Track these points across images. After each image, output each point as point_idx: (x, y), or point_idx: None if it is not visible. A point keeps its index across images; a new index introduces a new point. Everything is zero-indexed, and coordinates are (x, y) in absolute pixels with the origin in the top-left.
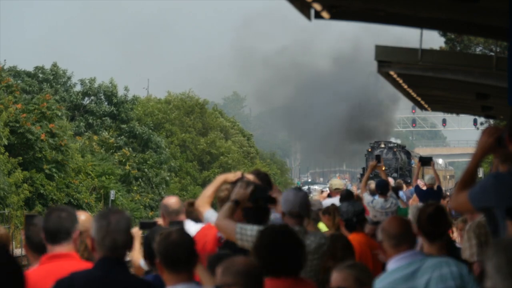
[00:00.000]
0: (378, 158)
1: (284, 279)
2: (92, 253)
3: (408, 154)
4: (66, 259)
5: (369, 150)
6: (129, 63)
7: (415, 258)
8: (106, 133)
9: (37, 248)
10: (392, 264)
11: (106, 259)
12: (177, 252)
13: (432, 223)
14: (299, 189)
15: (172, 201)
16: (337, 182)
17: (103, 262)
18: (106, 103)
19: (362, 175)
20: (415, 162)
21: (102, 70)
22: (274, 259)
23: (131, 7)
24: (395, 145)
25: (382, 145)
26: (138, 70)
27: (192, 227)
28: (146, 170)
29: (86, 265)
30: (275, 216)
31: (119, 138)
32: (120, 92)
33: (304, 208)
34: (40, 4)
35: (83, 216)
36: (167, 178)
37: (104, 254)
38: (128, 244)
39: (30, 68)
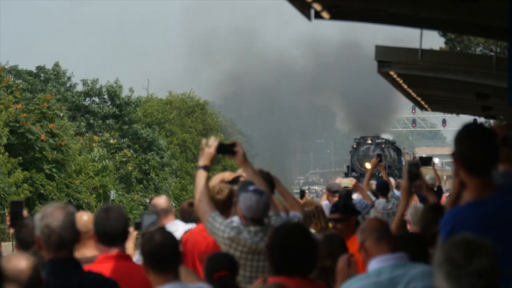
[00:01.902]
0: (379, 156)
1: (295, 278)
2: (41, 252)
3: (398, 151)
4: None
5: (354, 146)
6: (126, 63)
7: (401, 262)
8: (107, 134)
9: (29, 250)
10: (375, 264)
11: (56, 261)
12: (162, 253)
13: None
14: (260, 192)
15: (160, 201)
16: (346, 181)
17: (53, 265)
18: (109, 103)
19: (346, 174)
20: (405, 160)
21: (101, 69)
22: (286, 258)
23: (129, 7)
24: (383, 141)
25: (369, 141)
26: (137, 69)
27: (181, 227)
28: (148, 171)
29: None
30: (294, 214)
31: (122, 140)
32: (124, 93)
33: (266, 213)
34: (36, 4)
35: (85, 217)
36: (170, 180)
37: (52, 254)
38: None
39: (30, 68)
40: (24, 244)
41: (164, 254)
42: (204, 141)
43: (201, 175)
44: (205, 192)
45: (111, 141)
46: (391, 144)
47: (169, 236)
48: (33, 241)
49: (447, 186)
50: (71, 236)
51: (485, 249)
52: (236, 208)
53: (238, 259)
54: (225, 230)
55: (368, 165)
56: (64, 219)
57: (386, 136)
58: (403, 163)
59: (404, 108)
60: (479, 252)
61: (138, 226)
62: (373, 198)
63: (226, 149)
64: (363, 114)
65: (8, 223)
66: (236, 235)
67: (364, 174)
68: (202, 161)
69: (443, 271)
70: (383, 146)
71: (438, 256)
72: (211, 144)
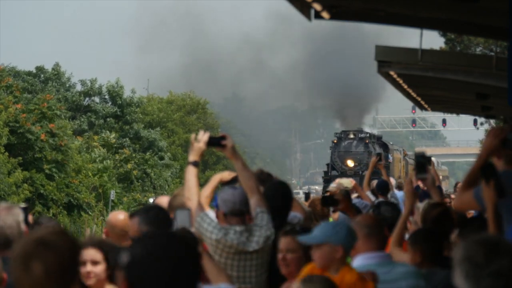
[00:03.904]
0: (379, 155)
1: None
2: None
3: (385, 147)
4: None
5: (335, 141)
6: (125, 62)
7: (385, 261)
8: (108, 133)
9: None
10: (360, 261)
11: (5, 259)
12: None
13: (437, 225)
14: (234, 187)
15: (164, 200)
16: (345, 181)
17: (4, 263)
18: (110, 103)
19: (326, 172)
20: (393, 157)
21: (100, 70)
22: None
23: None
24: (367, 135)
25: (351, 136)
26: (136, 69)
27: None
28: (148, 170)
29: None
30: (294, 215)
31: (123, 139)
32: (126, 93)
33: (245, 204)
34: (34, 4)
35: (121, 216)
36: (169, 179)
37: (1, 254)
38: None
39: (29, 69)
40: None
41: None
42: (193, 136)
43: (190, 172)
44: (194, 190)
45: (112, 140)
46: (377, 139)
47: (190, 235)
48: None
49: (443, 187)
50: (16, 235)
51: (506, 250)
52: (217, 214)
53: (226, 260)
54: (212, 231)
55: (350, 163)
56: (7, 219)
57: (370, 130)
58: (390, 160)
59: (404, 108)
60: (500, 252)
61: None
62: (373, 198)
63: (214, 142)
64: (344, 103)
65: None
66: (223, 237)
67: (345, 172)
68: (192, 156)
69: (462, 269)
70: (367, 141)
71: (458, 253)
72: (200, 139)
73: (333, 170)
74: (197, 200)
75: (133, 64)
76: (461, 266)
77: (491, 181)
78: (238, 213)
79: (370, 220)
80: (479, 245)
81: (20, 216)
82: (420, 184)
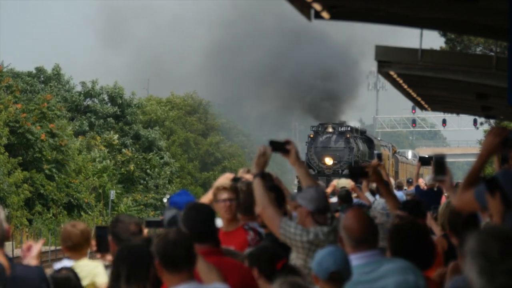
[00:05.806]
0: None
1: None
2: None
3: (370, 143)
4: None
5: (311, 136)
6: (124, 63)
7: (373, 259)
8: (111, 133)
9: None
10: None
11: None
12: (176, 251)
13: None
14: (313, 186)
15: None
16: (344, 181)
17: None
18: (109, 104)
19: None
20: (383, 153)
21: (100, 71)
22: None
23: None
24: (348, 129)
25: (330, 129)
26: (137, 69)
27: None
28: (149, 171)
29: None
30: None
31: (123, 138)
32: (126, 95)
33: (328, 203)
34: (34, 4)
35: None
36: (170, 178)
37: None
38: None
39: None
40: (120, 240)
41: (178, 252)
42: (260, 149)
43: (258, 183)
44: (268, 198)
45: (114, 141)
46: (360, 133)
47: (184, 234)
48: (128, 237)
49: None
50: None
51: None
52: (299, 213)
53: None
54: (302, 234)
55: (328, 161)
56: None
57: (354, 123)
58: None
59: (404, 108)
60: None
61: (148, 224)
62: (371, 197)
63: (279, 147)
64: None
65: (94, 248)
66: (315, 238)
67: (323, 171)
68: (256, 169)
69: (475, 264)
70: (348, 135)
71: (473, 245)
72: (267, 153)
73: (309, 169)
74: (274, 208)
75: (130, 64)
76: (474, 260)
77: (496, 194)
78: (324, 210)
79: (357, 230)
80: (494, 239)
81: (1, 214)
82: (421, 184)
